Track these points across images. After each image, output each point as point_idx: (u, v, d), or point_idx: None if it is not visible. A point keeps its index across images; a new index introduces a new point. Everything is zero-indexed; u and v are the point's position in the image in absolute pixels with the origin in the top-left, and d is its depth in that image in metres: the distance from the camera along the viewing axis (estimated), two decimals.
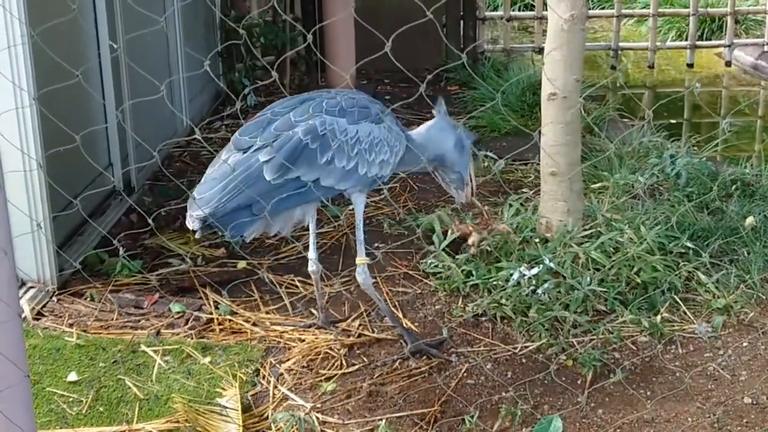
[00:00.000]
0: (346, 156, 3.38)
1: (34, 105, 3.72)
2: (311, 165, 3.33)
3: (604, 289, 3.82)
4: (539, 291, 3.81)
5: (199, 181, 3.42)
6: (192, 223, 3.33)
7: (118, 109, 4.79)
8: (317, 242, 3.77)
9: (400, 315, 3.86)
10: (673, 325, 3.76)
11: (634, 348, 3.62)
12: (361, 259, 3.51)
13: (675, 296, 3.89)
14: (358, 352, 3.63)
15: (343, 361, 3.56)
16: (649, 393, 3.34)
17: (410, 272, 4.22)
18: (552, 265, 3.90)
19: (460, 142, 3.66)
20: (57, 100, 4.01)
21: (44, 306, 3.95)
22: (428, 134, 3.67)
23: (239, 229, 3.33)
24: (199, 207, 3.26)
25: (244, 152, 3.32)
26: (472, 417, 3.17)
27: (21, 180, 3.85)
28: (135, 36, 4.75)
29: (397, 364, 3.53)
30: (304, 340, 3.70)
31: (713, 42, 8.84)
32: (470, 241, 4.17)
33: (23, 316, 3.74)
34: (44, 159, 3.84)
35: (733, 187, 4.80)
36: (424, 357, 3.57)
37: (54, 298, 4.00)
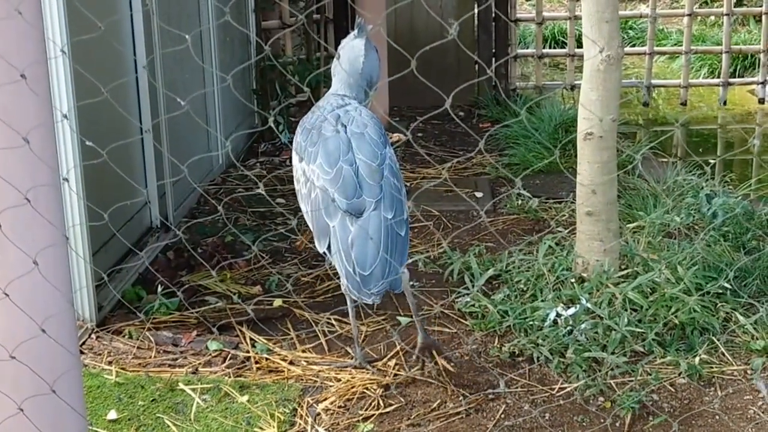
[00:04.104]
0: (401, 180, 3.55)
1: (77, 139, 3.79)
2: (404, 203, 3.47)
3: (642, 330, 3.80)
4: (576, 331, 3.81)
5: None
6: (373, 299, 3.41)
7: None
8: None
9: (434, 353, 3.85)
10: (712, 367, 3.73)
11: (672, 390, 3.59)
12: None
13: (713, 337, 3.87)
14: (394, 392, 3.63)
15: (380, 401, 3.56)
16: None
17: (446, 311, 4.23)
18: (589, 305, 3.90)
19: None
20: (99, 143, 4.07)
21: (83, 343, 3.99)
22: (367, 66, 3.73)
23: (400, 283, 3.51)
24: (377, 283, 3.36)
25: (359, 216, 3.40)
26: None
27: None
28: (174, 77, 4.82)
29: (434, 404, 3.52)
30: (340, 380, 3.71)
31: (746, 79, 8.83)
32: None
33: None
34: (86, 206, 3.90)
35: None
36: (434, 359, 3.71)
37: (93, 336, 4.04)
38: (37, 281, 1.99)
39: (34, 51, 1.92)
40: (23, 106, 1.91)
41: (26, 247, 1.97)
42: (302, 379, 3.73)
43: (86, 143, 3.68)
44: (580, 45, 7.54)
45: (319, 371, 3.78)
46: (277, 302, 4.35)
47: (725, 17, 8.12)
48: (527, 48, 9.70)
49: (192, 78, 5.66)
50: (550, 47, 10.54)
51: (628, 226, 4.86)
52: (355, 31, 3.75)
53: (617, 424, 3.38)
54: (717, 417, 3.41)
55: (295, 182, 3.77)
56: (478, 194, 5.86)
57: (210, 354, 3.93)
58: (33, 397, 2.06)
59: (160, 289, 4.29)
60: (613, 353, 3.71)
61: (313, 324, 4.15)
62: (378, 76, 3.82)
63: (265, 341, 3.99)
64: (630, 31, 10.75)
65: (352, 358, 3.85)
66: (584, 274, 4.21)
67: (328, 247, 3.49)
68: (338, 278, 4.23)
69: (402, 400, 3.57)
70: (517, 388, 3.63)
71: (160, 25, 4.84)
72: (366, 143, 3.53)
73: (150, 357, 3.92)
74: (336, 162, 3.48)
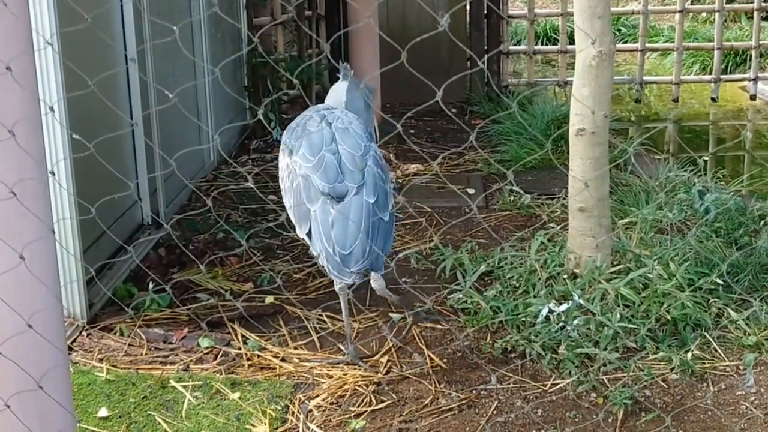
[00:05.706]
0: (386, 171, 3.62)
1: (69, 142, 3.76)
2: (388, 193, 3.53)
3: (634, 326, 3.79)
4: (569, 327, 3.80)
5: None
6: (353, 278, 3.45)
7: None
8: None
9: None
10: (704, 363, 3.72)
11: (665, 386, 3.58)
12: None
13: (705, 333, 3.86)
14: (386, 388, 3.61)
15: (372, 398, 3.54)
16: None
17: (438, 308, 4.21)
18: (581, 301, 3.89)
19: (367, 101, 3.94)
20: (88, 136, 4.05)
21: (74, 341, 3.96)
22: (349, 106, 3.90)
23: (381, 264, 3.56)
24: (356, 263, 3.40)
25: (340, 200, 3.46)
26: None
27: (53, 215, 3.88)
28: (165, 72, 4.79)
29: (427, 401, 3.51)
30: (332, 376, 3.69)
31: (738, 75, 8.83)
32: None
33: None
34: (77, 204, 3.86)
35: (762, 222, 4.77)
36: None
37: (84, 333, 4.02)
38: (23, 276, 1.97)
39: (19, 43, 1.89)
40: (8, 99, 1.89)
41: (12, 242, 1.95)
42: (294, 376, 3.71)
43: (73, 136, 3.66)
44: (572, 41, 7.52)
45: (311, 368, 3.76)
46: (269, 299, 4.34)
47: (717, 14, 8.12)
48: (519, 44, 9.68)
49: (183, 74, 5.63)
50: (542, 44, 10.54)
51: (620, 222, 4.86)
52: (341, 75, 3.99)
53: (610, 420, 3.37)
54: (709, 412, 3.41)
55: (280, 180, 3.80)
56: (471, 190, 5.84)
57: (201, 351, 3.91)
58: (20, 393, 2.03)
59: (151, 286, 4.27)
60: (605, 349, 3.70)
61: (305, 320, 4.13)
62: (368, 120, 3.95)
63: (257, 338, 3.97)
64: (622, 28, 10.75)
65: (344, 355, 3.83)
66: (576, 270, 4.20)
67: (308, 234, 3.52)
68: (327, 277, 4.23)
69: (394, 396, 3.56)
70: (509, 384, 3.62)
71: (150, 19, 4.81)
72: (350, 136, 3.62)
73: (141, 354, 3.89)
74: (318, 151, 3.57)
